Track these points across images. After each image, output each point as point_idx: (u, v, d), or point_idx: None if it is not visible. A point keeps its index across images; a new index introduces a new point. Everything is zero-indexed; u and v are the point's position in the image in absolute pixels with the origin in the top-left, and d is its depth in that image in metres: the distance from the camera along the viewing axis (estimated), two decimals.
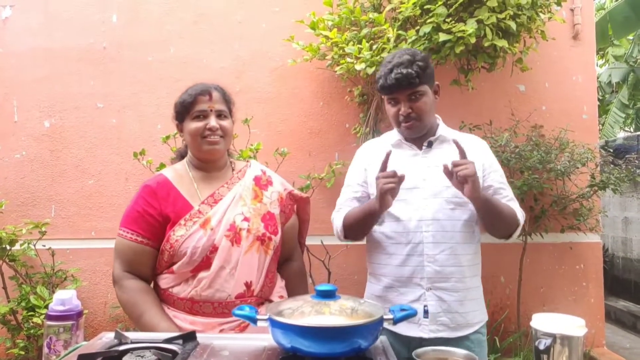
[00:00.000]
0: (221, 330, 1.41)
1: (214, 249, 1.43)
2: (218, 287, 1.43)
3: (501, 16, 2.73)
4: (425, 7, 2.80)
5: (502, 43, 2.77)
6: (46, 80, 3.35)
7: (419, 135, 1.65)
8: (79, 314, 1.21)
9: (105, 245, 3.18)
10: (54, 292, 2.86)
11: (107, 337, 1.09)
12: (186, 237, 1.42)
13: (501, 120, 3.41)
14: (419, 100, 1.57)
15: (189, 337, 1.06)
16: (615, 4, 6.18)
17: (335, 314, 0.98)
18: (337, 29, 3.07)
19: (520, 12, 2.82)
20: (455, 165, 1.43)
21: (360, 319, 0.97)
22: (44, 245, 3.03)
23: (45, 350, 1.17)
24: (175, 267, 1.44)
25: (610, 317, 5.06)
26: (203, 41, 3.42)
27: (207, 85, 1.54)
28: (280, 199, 1.63)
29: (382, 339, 1.08)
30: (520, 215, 1.64)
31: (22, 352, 2.83)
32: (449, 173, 1.45)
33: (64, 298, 1.20)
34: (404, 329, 1.56)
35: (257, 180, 1.61)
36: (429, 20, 2.75)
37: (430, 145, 1.67)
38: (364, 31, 2.99)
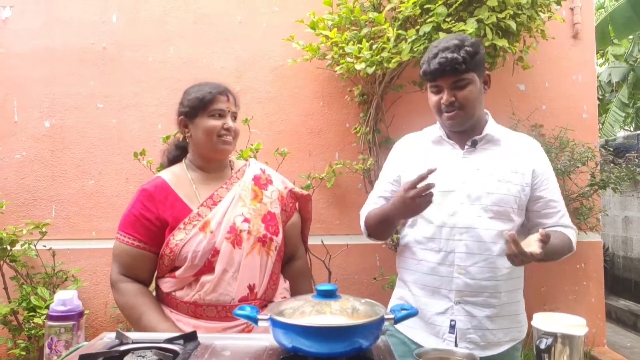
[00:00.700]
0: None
1: (216, 253, 1.41)
2: (222, 290, 1.41)
3: (501, 16, 2.73)
4: (425, 6, 2.80)
5: (502, 42, 2.77)
6: (46, 80, 3.35)
7: (463, 128, 1.50)
8: (80, 314, 1.21)
9: (106, 245, 3.15)
10: (54, 292, 2.86)
11: (108, 337, 1.09)
12: (186, 241, 1.40)
13: (501, 120, 3.38)
14: (465, 89, 1.42)
15: (190, 337, 1.06)
16: (616, 4, 6.17)
17: (336, 314, 0.98)
18: (337, 29, 3.07)
19: (520, 12, 2.82)
20: (517, 252, 1.23)
21: (361, 318, 0.97)
22: (45, 246, 3.03)
23: (47, 350, 1.17)
24: (177, 273, 1.42)
25: (610, 316, 5.06)
26: (203, 41, 3.42)
27: (224, 86, 1.53)
28: (280, 198, 1.60)
29: (383, 338, 1.07)
30: (574, 237, 1.50)
31: (23, 353, 2.84)
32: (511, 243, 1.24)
33: (65, 298, 1.19)
34: (425, 341, 1.45)
35: (256, 179, 1.58)
36: (429, 20, 2.75)
37: (474, 144, 1.51)
38: (364, 31, 2.99)
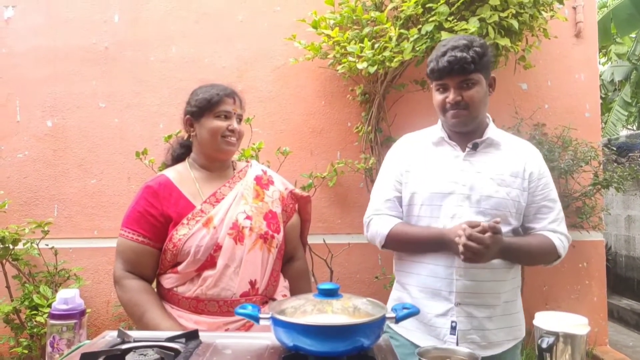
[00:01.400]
0: (226, 330, 1.41)
1: (218, 248, 1.44)
2: (223, 285, 1.43)
3: (503, 15, 2.73)
4: (427, 5, 2.80)
5: (504, 42, 2.77)
6: (49, 80, 3.36)
7: (466, 129, 1.50)
8: (82, 312, 1.21)
9: (108, 244, 3.18)
10: (56, 291, 2.87)
11: (110, 336, 1.09)
12: (189, 235, 1.43)
13: (504, 119, 3.41)
14: (471, 89, 1.42)
15: (191, 335, 1.06)
16: (618, 1, 6.15)
17: (337, 313, 0.98)
18: (339, 28, 3.06)
19: (522, 11, 2.81)
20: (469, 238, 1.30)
21: (363, 317, 0.96)
22: (47, 245, 3.04)
23: (49, 349, 1.17)
24: (180, 268, 1.44)
25: (613, 315, 5.05)
26: (205, 40, 3.42)
27: (231, 88, 1.56)
28: (281, 198, 1.63)
29: (385, 337, 1.07)
30: (561, 244, 1.49)
31: (25, 351, 2.84)
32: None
33: (67, 297, 1.20)
34: (425, 343, 1.41)
35: (258, 179, 1.62)
36: (430, 19, 2.75)
37: (475, 147, 1.50)
38: (366, 30, 2.99)
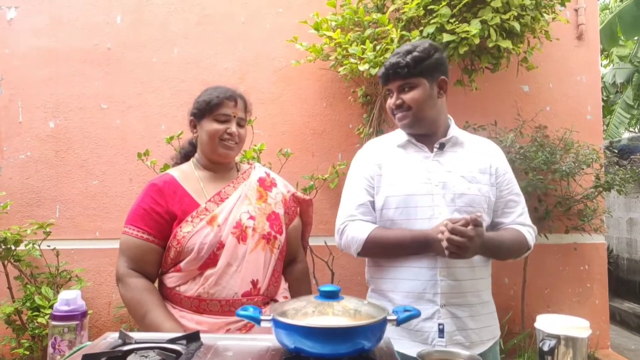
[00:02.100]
0: (227, 330, 1.41)
1: (221, 246, 1.45)
2: (225, 284, 1.43)
3: (505, 17, 2.73)
4: (429, 7, 2.80)
5: (506, 44, 2.77)
6: (51, 81, 3.37)
7: (417, 131, 1.54)
8: (84, 314, 1.21)
9: (110, 245, 3.19)
10: (58, 292, 2.87)
11: (111, 337, 1.09)
12: (193, 233, 1.44)
13: (506, 121, 3.41)
14: (411, 92, 1.49)
15: (192, 337, 1.06)
16: (623, 4, 6.15)
17: (338, 315, 0.98)
18: (341, 30, 3.07)
19: (524, 13, 2.82)
20: (453, 232, 1.30)
21: (364, 319, 0.96)
22: (49, 246, 3.04)
23: (50, 350, 1.18)
24: (182, 264, 1.45)
25: (615, 318, 5.03)
26: (207, 42, 3.43)
27: (233, 91, 1.57)
28: (284, 200, 1.65)
29: (386, 339, 1.07)
30: (530, 237, 1.54)
31: (27, 352, 2.84)
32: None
33: (69, 298, 1.20)
34: (413, 351, 1.29)
35: (261, 181, 1.63)
36: (432, 21, 2.75)
37: (442, 147, 1.54)
38: (368, 32, 2.99)
